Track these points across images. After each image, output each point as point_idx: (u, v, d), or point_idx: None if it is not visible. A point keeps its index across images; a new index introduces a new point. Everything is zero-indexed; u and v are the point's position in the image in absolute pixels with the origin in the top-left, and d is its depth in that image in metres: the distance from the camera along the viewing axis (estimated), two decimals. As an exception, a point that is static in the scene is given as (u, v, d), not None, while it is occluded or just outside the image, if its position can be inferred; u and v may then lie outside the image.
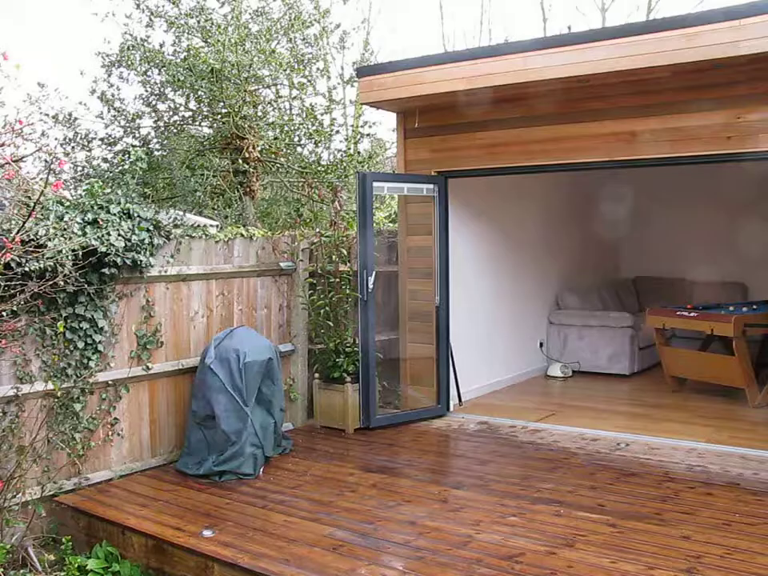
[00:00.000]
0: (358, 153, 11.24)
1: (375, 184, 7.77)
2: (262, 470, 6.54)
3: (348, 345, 7.95)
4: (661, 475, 6.20)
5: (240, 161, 10.10)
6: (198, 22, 10.21)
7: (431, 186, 8.14)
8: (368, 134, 11.69)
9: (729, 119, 6.57)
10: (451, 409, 8.45)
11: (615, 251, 12.83)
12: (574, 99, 7.27)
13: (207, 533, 5.19)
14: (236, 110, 9.62)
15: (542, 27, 21.86)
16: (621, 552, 4.73)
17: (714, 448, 6.92)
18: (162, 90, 10.40)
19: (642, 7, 20.63)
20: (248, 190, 10.31)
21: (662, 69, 6.46)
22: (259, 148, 10.52)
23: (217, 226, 8.40)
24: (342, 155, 11.21)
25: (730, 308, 9.25)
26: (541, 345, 10.70)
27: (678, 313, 9.17)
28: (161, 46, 10.10)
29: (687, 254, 11.94)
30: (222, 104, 10.05)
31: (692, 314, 9.02)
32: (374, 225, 8.55)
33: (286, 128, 10.61)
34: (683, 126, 6.76)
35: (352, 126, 13.16)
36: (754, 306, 9.41)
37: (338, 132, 11.59)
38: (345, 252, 8.11)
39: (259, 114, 10.44)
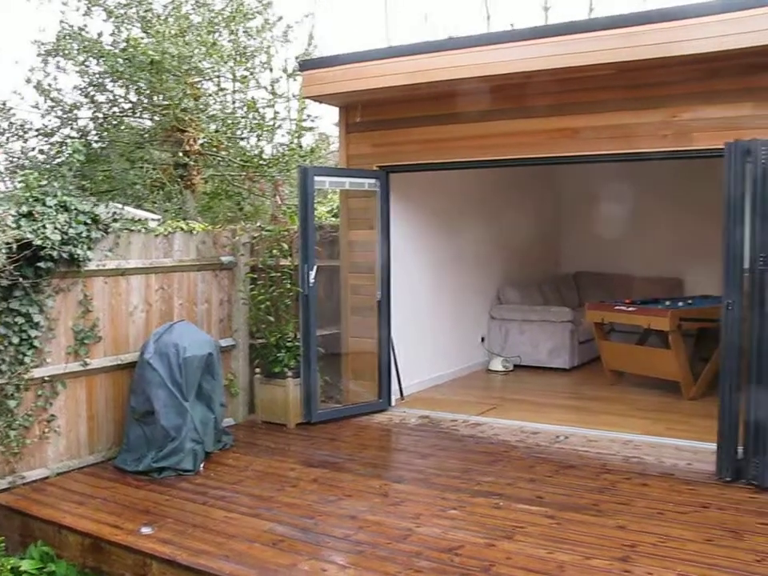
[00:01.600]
0: (300, 147, 11.16)
1: (317, 178, 7.75)
2: (202, 465, 6.49)
3: (289, 339, 7.92)
4: (598, 467, 6.30)
5: (181, 154, 9.97)
6: (138, 12, 10.04)
7: (373, 180, 8.14)
8: (311, 128, 11.62)
9: (665, 117, 6.69)
10: (393, 403, 8.47)
11: (556, 246, 13.00)
12: (517, 95, 7.32)
13: (146, 530, 5.13)
14: (176, 102, 9.48)
15: (486, 24, 22.01)
16: (558, 543, 4.80)
17: (650, 440, 7.06)
18: (100, 80, 10.19)
19: (583, 6, 20.89)
20: (189, 183, 10.19)
21: (602, 67, 6.54)
22: (200, 141, 10.39)
23: (159, 219, 8.28)
24: (284, 149, 11.13)
25: (666, 303, 9.42)
26: (482, 339, 10.78)
27: (616, 307, 9.33)
28: (99, 35, 9.89)
29: (627, 249, 12.14)
30: (162, 96, 9.90)
31: (630, 309, 9.18)
32: (316, 219, 8.53)
33: (227, 121, 10.50)
34: (622, 123, 6.86)
35: (295, 120, 13.08)
36: (690, 301, 9.60)
37: (280, 126, 11.51)
38: (286, 246, 8.08)
39: (201, 106, 10.30)
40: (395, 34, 21.81)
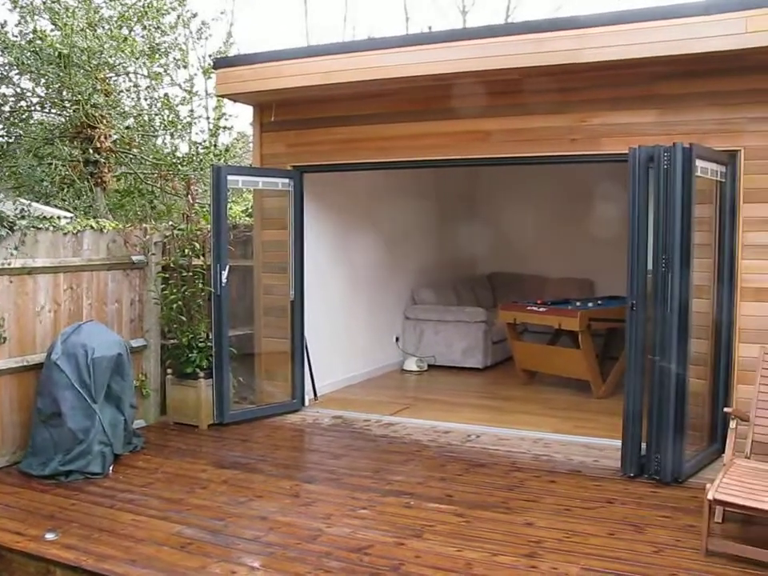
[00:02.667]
0: (215, 146, 11.04)
1: (230, 177, 7.67)
2: (111, 468, 6.36)
3: (201, 340, 7.83)
4: (508, 465, 6.41)
5: (91, 151, 9.74)
6: (45, 2, 9.77)
7: (286, 180, 8.11)
8: (225, 127, 11.51)
9: (574, 122, 6.85)
10: (306, 403, 8.45)
11: (471, 247, 13.13)
12: (431, 97, 7.39)
13: (50, 536, 5.00)
14: (86, 97, 9.26)
15: (405, 26, 22.15)
16: (467, 540, 4.86)
17: (560, 438, 7.20)
18: (6, 73, 9.89)
19: (500, 11, 21.23)
20: (99, 180, 9.96)
21: (512, 71, 6.65)
22: (112, 138, 10.18)
23: (71, 217, 8.09)
24: (198, 148, 10.99)
25: (576, 303, 9.63)
26: (397, 339, 10.84)
27: (528, 308, 9.49)
28: (3, 25, 9.58)
29: (540, 251, 12.37)
30: (71, 91, 9.65)
31: (541, 309, 9.35)
32: (230, 219, 8.45)
33: (140, 118, 10.31)
34: (533, 127, 7.01)
35: (212, 118, 12.93)
36: (599, 302, 9.82)
37: (194, 124, 11.37)
38: (198, 246, 7.98)
39: (112, 103, 10.08)
40: (315, 35, 21.82)
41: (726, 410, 5.58)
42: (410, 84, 7.14)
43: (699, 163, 5.88)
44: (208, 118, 13.40)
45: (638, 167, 5.89)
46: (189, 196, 8.31)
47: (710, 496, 4.58)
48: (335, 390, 9.23)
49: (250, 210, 9.35)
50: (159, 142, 11.02)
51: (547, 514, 5.30)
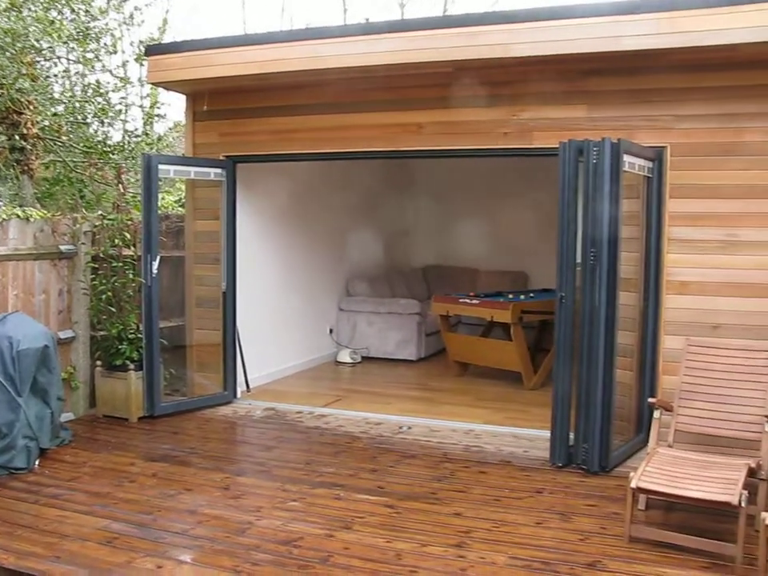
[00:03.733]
0: (147, 135, 10.86)
1: (161, 167, 7.55)
2: (37, 463, 6.22)
3: (132, 331, 7.71)
4: (439, 456, 6.45)
5: (17, 137, 9.48)
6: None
7: (219, 170, 8.01)
8: (158, 115, 11.33)
9: (506, 116, 6.92)
10: (239, 395, 8.39)
11: (406, 240, 13.19)
12: (364, 89, 7.38)
13: (-31, 533, 4.87)
14: (11, 82, 9.01)
15: (343, 18, 22.04)
16: (396, 531, 4.88)
17: (491, 429, 7.28)
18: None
19: (438, 4, 21.24)
20: (26, 168, 9.70)
21: (443, 64, 6.66)
22: (40, 125, 9.92)
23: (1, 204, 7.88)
24: (130, 136, 10.80)
25: (509, 296, 9.74)
26: (331, 331, 10.82)
27: (461, 300, 9.56)
28: None
29: (475, 244, 12.44)
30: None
31: (474, 302, 9.42)
32: (163, 209, 8.33)
33: (69, 105, 10.07)
34: (465, 120, 7.05)
35: (145, 106, 12.71)
36: (532, 294, 9.95)
37: (126, 111, 11.15)
38: (129, 236, 7.85)
39: (40, 88, 9.81)
40: (252, 26, 21.59)
41: (649, 400, 5.69)
42: (345, 75, 7.10)
43: (627, 158, 5.99)
44: (141, 106, 13.17)
45: (567, 161, 5.98)
46: (120, 185, 8.17)
47: (632, 484, 4.68)
48: (268, 381, 9.19)
49: (183, 200, 9.22)
50: (91, 130, 10.78)
51: (476, 505, 5.35)
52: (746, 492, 4.47)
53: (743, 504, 4.41)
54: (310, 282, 10.20)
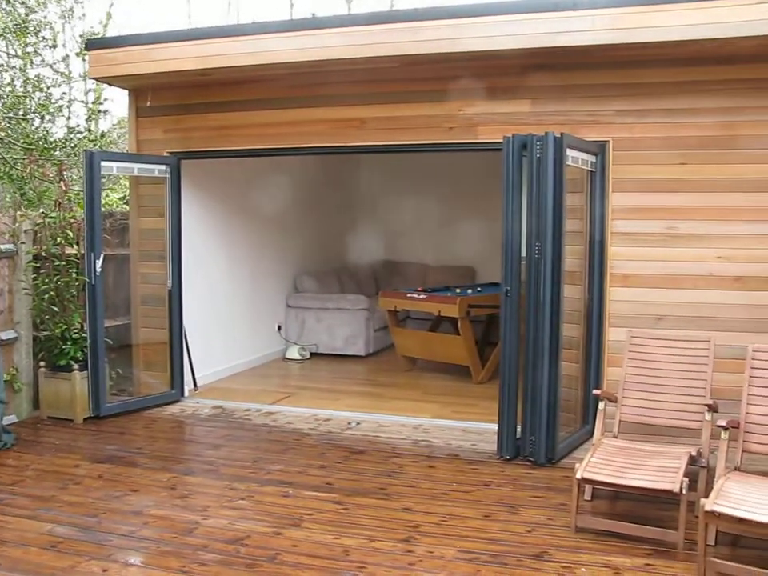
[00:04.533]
0: (90, 131, 10.69)
1: (104, 163, 7.44)
2: (-23, 467, 6.11)
3: (76, 331, 7.58)
4: (388, 451, 6.46)
5: (-46, 133, 9.30)
6: None
7: (163, 166, 7.92)
8: (101, 111, 11.16)
9: (451, 111, 6.94)
10: (186, 394, 8.31)
11: (354, 235, 13.17)
12: (308, 84, 7.35)
13: None
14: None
15: (289, 12, 21.91)
16: (345, 528, 4.88)
17: (439, 423, 7.31)
18: None
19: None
20: (-37, 165, 9.52)
21: (389, 59, 6.65)
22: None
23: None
24: (73, 132, 10.62)
25: (456, 290, 9.78)
26: (279, 328, 10.77)
27: (408, 295, 9.57)
28: None
29: (423, 239, 12.52)
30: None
31: (421, 297, 9.45)
32: (107, 206, 8.21)
33: (8, 100, 9.87)
34: (409, 115, 7.06)
35: (84, 101, 12.51)
36: (479, 288, 10.01)
37: (68, 107, 10.97)
38: (72, 234, 7.71)
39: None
40: (198, 21, 21.36)
41: (594, 392, 5.75)
42: (288, 70, 7.08)
43: (570, 152, 6.05)
44: (85, 101, 12.96)
45: (511, 155, 6.02)
46: (62, 182, 8.03)
47: (578, 475, 4.74)
48: (216, 379, 9.11)
49: (128, 198, 9.11)
50: (35, 125, 10.58)
51: (425, 499, 5.37)
52: (686, 479, 4.56)
53: (684, 491, 4.50)
54: (257, 279, 10.14)
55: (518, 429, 6.21)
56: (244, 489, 5.57)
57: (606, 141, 6.55)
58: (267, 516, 5.07)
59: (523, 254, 6.03)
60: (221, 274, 9.30)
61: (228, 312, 9.42)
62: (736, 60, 6.18)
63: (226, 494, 5.47)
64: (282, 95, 7.48)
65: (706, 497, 4.31)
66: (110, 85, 8.47)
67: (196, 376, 8.59)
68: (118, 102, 14.39)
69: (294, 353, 10.49)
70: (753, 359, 5.04)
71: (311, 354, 10.62)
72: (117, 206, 9.44)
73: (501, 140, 6.14)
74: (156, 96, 7.95)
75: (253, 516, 5.07)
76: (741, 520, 4.09)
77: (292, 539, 4.70)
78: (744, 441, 4.92)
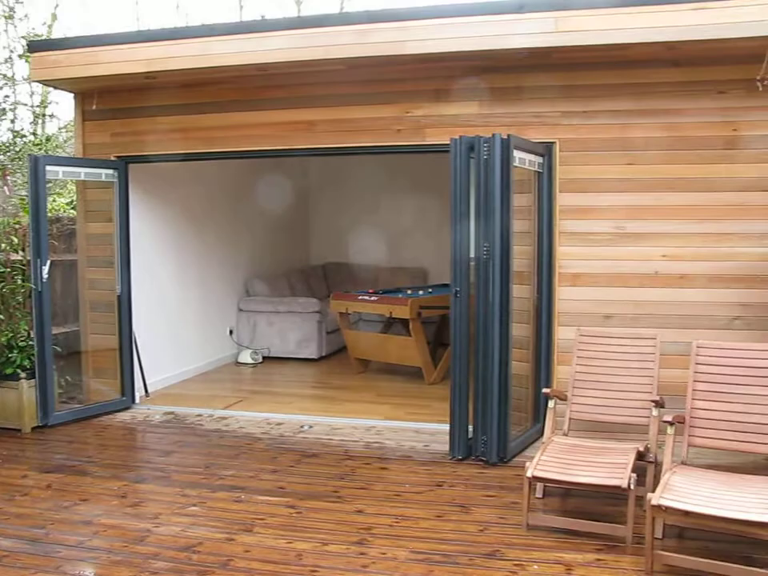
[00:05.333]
0: (35, 134, 10.51)
1: (49, 168, 7.32)
2: None
3: (23, 339, 7.45)
4: (341, 454, 6.46)
5: None
6: None
7: (110, 171, 7.82)
8: (45, 114, 10.97)
9: (399, 113, 6.98)
10: (137, 400, 8.22)
11: (305, 238, 13.16)
12: (256, 87, 7.34)
13: None
14: None
15: (239, 15, 21.75)
16: (298, 532, 4.87)
17: (392, 424, 7.33)
18: None
19: (335, 2, 21.17)
20: None
21: (337, 62, 6.66)
22: None
23: None
24: (17, 136, 10.42)
25: (408, 291, 9.80)
26: (231, 332, 10.70)
27: (359, 297, 9.58)
28: None
29: (375, 241, 12.51)
30: None
31: (372, 298, 9.45)
32: (54, 211, 8.09)
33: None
34: (358, 117, 7.08)
35: (33, 104, 12.30)
36: (430, 290, 10.04)
37: (13, 110, 10.78)
38: (16, 240, 7.59)
39: None
40: (146, 23, 21.11)
41: (544, 390, 5.82)
42: (236, 73, 7.05)
43: (517, 153, 6.10)
44: (30, 104, 12.74)
45: (459, 157, 6.06)
46: (5, 187, 7.90)
47: (528, 474, 4.78)
48: (168, 385, 9.03)
49: (76, 203, 8.98)
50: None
51: (378, 501, 5.38)
52: (634, 475, 4.64)
53: (632, 487, 4.57)
54: (208, 283, 10.07)
55: (470, 429, 6.25)
56: (196, 495, 5.53)
57: (552, 142, 6.63)
58: (219, 522, 5.03)
59: (472, 254, 6.07)
60: (171, 278, 9.21)
61: (179, 317, 9.34)
62: (680, 63, 6.31)
63: (177, 501, 5.42)
64: (229, 98, 7.44)
65: (654, 491, 4.38)
66: (55, 88, 8.35)
67: (147, 382, 8.50)
68: (64, 104, 14.18)
69: (246, 357, 10.43)
70: (697, 355, 5.14)
71: (263, 357, 10.56)
72: (64, 211, 9.29)
73: (448, 141, 6.17)
74: (102, 99, 7.85)
75: (205, 522, 5.03)
76: (687, 513, 4.16)
77: (244, 545, 4.68)
78: (689, 435, 5.01)
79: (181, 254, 9.40)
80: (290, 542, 4.70)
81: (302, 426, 7.26)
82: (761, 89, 5.96)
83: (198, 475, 5.96)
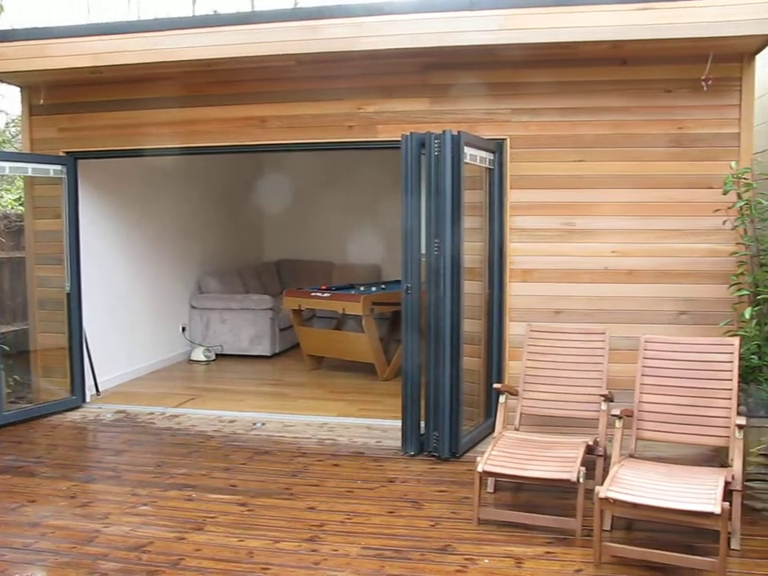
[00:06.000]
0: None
1: (-6, 164, 7.22)
2: None
3: (-32, 338, 7.34)
4: (293, 451, 6.44)
5: None
6: None
7: (59, 167, 7.70)
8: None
9: (351, 109, 6.97)
10: (88, 399, 8.11)
11: (259, 235, 13.11)
12: (207, 82, 7.28)
13: None
14: None
15: (192, 9, 21.54)
16: (249, 529, 4.85)
17: (345, 421, 7.33)
18: None
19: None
20: None
21: (288, 57, 6.62)
22: None
23: None
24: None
25: (360, 288, 9.81)
26: (183, 329, 10.61)
27: (312, 294, 9.55)
28: None
29: (329, 237, 12.52)
30: None
31: (325, 295, 9.44)
32: (1, 207, 7.94)
33: None
34: (309, 113, 7.06)
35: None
36: (383, 286, 10.06)
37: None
38: (-39, 238, 7.46)
39: None
40: (97, 16, 20.81)
41: (494, 386, 5.87)
42: (186, 68, 6.97)
43: (468, 150, 6.13)
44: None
45: (410, 154, 6.07)
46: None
47: (479, 468, 4.82)
48: (119, 384, 8.92)
49: (23, 199, 8.83)
50: None
51: (330, 497, 5.38)
52: (583, 468, 4.70)
53: (581, 480, 4.63)
54: (159, 280, 9.97)
55: (422, 424, 6.27)
56: (146, 494, 5.47)
57: (503, 139, 6.67)
58: (170, 521, 4.99)
59: (423, 251, 6.09)
60: (122, 276, 9.10)
61: (130, 314, 9.24)
62: (628, 61, 6.41)
63: (128, 501, 5.36)
64: (179, 94, 7.35)
65: (603, 484, 4.44)
66: (1, 81, 8.18)
67: (98, 381, 8.39)
68: (11, 98, 13.94)
69: (199, 354, 10.35)
70: (645, 350, 5.23)
71: (216, 355, 10.50)
72: (12, 208, 9.14)
73: (399, 138, 6.18)
74: (50, 94, 7.72)
75: (155, 522, 4.99)
76: (634, 505, 4.23)
77: (195, 543, 4.65)
78: (637, 428, 5.10)
79: (132, 251, 9.30)
80: (242, 540, 4.68)
81: (254, 424, 7.23)
82: (705, 89, 6.10)
83: (149, 474, 5.90)
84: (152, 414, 7.67)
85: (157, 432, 7.07)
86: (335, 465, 6.09)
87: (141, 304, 9.51)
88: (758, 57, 6.30)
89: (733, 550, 4.47)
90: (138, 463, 6.21)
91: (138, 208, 9.34)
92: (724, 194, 5.84)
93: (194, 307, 10.73)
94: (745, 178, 5.84)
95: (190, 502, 5.32)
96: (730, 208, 5.87)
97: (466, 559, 4.41)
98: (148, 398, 8.29)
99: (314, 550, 4.54)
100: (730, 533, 4.40)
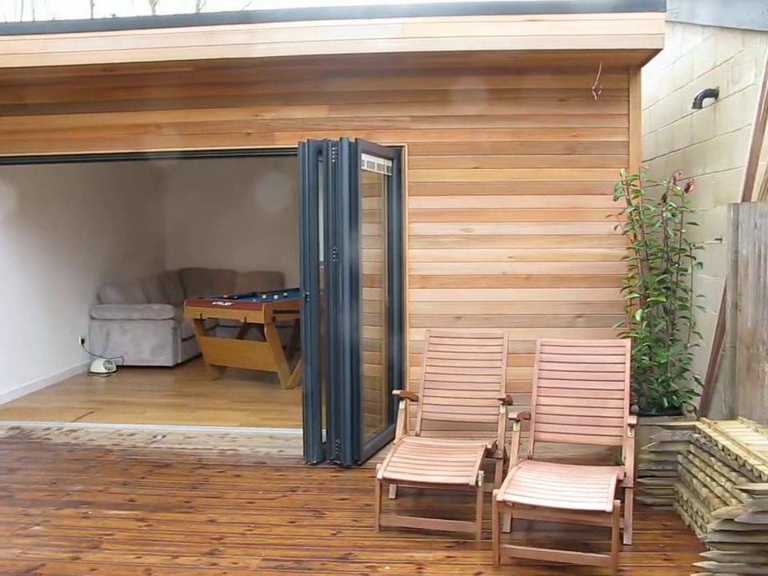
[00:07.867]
0: None
1: None
2: None
3: None
4: (194, 463, 6.34)
5: None
6: None
7: (-55, 175, 7.44)
8: None
9: (248, 117, 6.92)
10: (-21, 416, 7.84)
11: (161, 243, 12.87)
12: (101, 88, 7.09)
13: None
14: None
15: (90, 12, 21.05)
16: (147, 545, 4.74)
17: (247, 431, 7.26)
18: None
19: (191, 4, 20.79)
20: None
21: (184, 63, 6.52)
22: None
23: None
24: None
25: (262, 296, 9.75)
26: (82, 341, 10.33)
27: (213, 303, 9.44)
28: None
29: (231, 245, 12.39)
30: None
31: (227, 304, 9.34)
32: None
33: None
34: (206, 120, 6.97)
35: None
36: (285, 294, 10.00)
37: None
38: None
39: None
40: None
41: (394, 392, 5.89)
42: (81, 73, 6.77)
43: (366, 157, 6.16)
44: None
45: (307, 161, 6.06)
46: None
47: (379, 475, 4.83)
48: (13, 399, 8.60)
49: None
50: None
51: (230, 509, 5.31)
52: (482, 472, 4.75)
53: (479, 484, 4.69)
54: (57, 291, 9.67)
55: (324, 433, 6.25)
56: (40, 513, 5.29)
57: (401, 146, 6.72)
58: (64, 540, 4.84)
59: (322, 258, 6.09)
60: (14, 287, 8.79)
61: (24, 327, 8.93)
62: (523, 71, 6.54)
63: (19, 521, 5.16)
64: (74, 99, 7.14)
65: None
66: None
67: (-11, 396, 8.11)
68: None
69: (99, 366, 10.09)
70: (541, 353, 5.34)
71: (117, 366, 10.25)
72: None
73: (297, 145, 6.17)
74: None
75: (48, 542, 4.82)
76: (532, 506, 4.31)
77: (90, 563, 4.51)
78: (535, 431, 5.20)
79: (26, 262, 9.00)
80: (139, 557, 4.57)
81: (154, 436, 7.09)
82: (596, 98, 6.28)
83: (43, 492, 5.71)
84: (48, 429, 7.42)
85: (53, 448, 6.85)
86: (237, 476, 6.02)
87: (36, 315, 9.21)
88: (643, 69, 6.53)
89: (625, 545, 4.60)
90: (32, 481, 6.00)
91: (33, 217, 9.04)
92: (615, 200, 6.01)
93: (93, 318, 10.46)
94: (634, 185, 6.03)
95: (86, 520, 5.17)
96: (620, 214, 6.05)
97: (367, 567, 4.41)
98: (44, 413, 8.02)
99: (213, 564, 4.47)
100: (622, 529, 4.54)
